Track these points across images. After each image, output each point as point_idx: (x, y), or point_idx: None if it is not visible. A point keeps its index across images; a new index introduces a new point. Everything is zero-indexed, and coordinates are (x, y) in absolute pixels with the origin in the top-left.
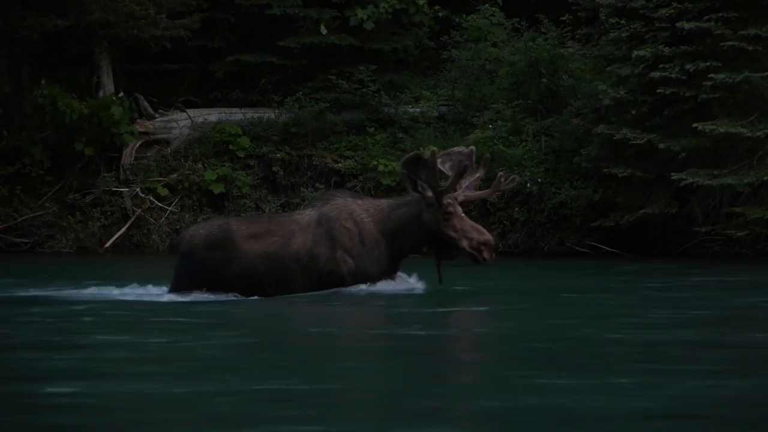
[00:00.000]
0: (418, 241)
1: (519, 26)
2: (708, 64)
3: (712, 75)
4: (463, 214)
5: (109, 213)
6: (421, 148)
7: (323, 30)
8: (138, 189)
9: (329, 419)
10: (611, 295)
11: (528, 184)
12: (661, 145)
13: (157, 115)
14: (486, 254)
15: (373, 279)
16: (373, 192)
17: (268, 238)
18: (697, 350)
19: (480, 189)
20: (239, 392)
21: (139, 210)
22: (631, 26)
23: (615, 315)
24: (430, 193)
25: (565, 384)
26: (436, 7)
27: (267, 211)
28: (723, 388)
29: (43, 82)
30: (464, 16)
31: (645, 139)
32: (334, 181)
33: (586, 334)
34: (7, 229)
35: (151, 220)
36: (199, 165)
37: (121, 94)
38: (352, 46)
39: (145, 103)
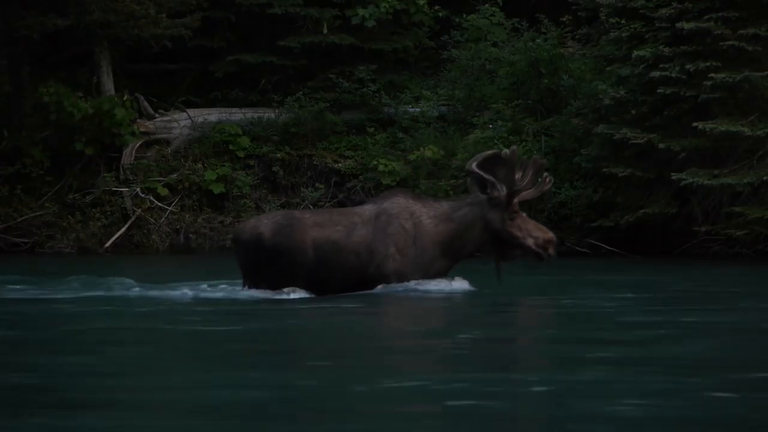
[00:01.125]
0: (480, 241)
1: (519, 26)
2: (708, 63)
3: (712, 75)
4: (524, 214)
5: (109, 213)
6: (421, 148)
7: (325, 30)
8: (138, 189)
9: None
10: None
11: None
12: (661, 145)
13: (157, 115)
14: (551, 251)
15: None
16: (372, 192)
17: (333, 226)
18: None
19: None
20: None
21: (139, 210)
22: (631, 26)
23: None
24: (497, 193)
25: None
26: (436, 7)
27: (267, 210)
28: None
29: (50, 81)
30: (464, 16)
31: (645, 139)
32: (334, 181)
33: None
34: (7, 229)
35: (151, 220)
36: (199, 165)
37: (126, 97)
38: (352, 45)
39: (145, 103)
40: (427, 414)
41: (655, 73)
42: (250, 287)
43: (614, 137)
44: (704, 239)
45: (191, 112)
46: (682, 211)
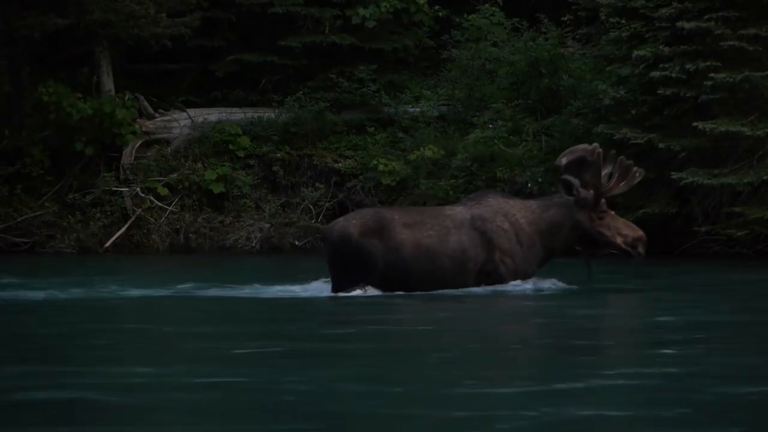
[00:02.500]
0: (569, 240)
1: (519, 26)
2: (708, 63)
3: (712, 75)
4: (612, 212)
5: (109, 213)
6: (421, 148)
7: (326, 30)
8: (138, 189)
9: None
10: None
11: (528, 184)
12: (661, 145)
13: (157, 115)
14: (641, 249)
15: (530, 277)
16: (373, 192)
17: (423, 230)
18: None
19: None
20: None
21: (139, 210)
22: (631, 26)
23: None
24: (584, 194)
25: None
26: (436, 7)
27: (267, 210)
28: None
29: (50, 81)
30: (464, 15)
31: (645, 139)
32: (334, 181)
33: None
34: (7, 228)
35: (151, 219)
36: (199, 165)
37: (128, 97)
38: (353, 45)
39: (145, 103)
40: None
41: (655, 73)
42: (337, 286)
43: (614, 137)
44: (704, 239)
45: (191, 111)
46: (682, 211)
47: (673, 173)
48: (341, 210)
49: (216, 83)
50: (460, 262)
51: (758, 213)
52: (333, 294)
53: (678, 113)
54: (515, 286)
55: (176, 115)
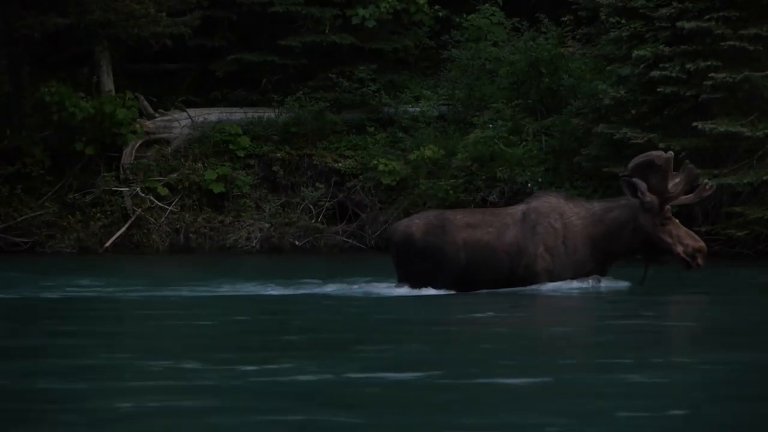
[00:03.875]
0: (630, 244)
1: (519, 26)
2: (708, 63)
3: (712, 74)
4: (677, 220)
5: (109, 213)
6: (421, 148)
7: (326, 30)
8: (138, 189)
9: None
10: None
11: (528, 184)
12: (661, 145)
13: (157, 115)
14: (700, 260)
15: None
16: (373, 191)
17: (484, 228)
18: None
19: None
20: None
21: (139, 210)
22: (632, 26)
23: None
24: (650, 198)
25: None
26: (436, 7)
27: (267, 210)
28: None
29: (52, 81)
30: (464, 15)
31: (645, 139)
32: (334, 181)
33: None
34: (7, 228)
35: (151, 219)
36: (199, 164)
37: (128, 97)
38: (353, 45)
39: (145, 103)
40: None
41: (656, 73)
42: (404, 284)
43: (614, 137)
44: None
45: (191, 111)
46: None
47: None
48: (341, 210)
49: (216, 83)
50: (514, 257)
51: (758, 213)
52: (401, 292)
53: (678, 113)
54: (565, 284)
55: (176, 114)
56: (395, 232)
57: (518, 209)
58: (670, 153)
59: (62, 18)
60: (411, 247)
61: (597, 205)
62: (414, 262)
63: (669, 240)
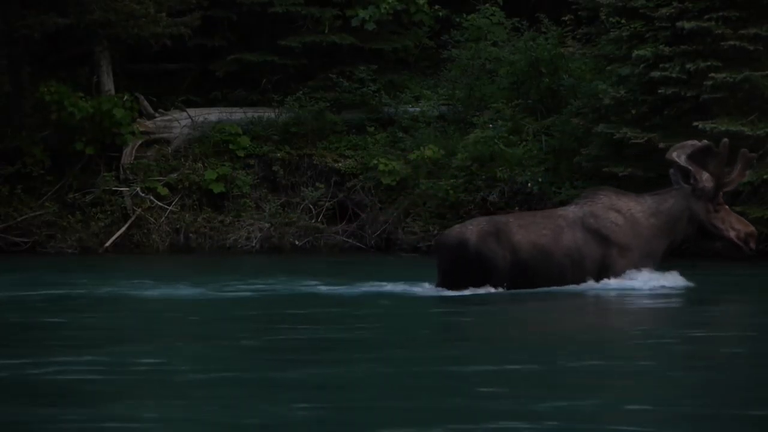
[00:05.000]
0: (685, 232)
1: (519, 26)
2: (708, 63)
3: (712, 74)
4: (727, 206)
5: (109, 213)
6: (421, 148)
7: (326, 30)
8: (138, 188)
9: None
10: None
11: (528, 184)
12: (661, 145)
13: (157, 115)
14: (752, 245)
15: (654, 266)
16: (373, 191)
17: (538, 230)
18: None
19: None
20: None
21: (139, 209)
22: (632, 26)
23: None
24: (703, 185)
25: None
26: (436, 7)
27: (267, 210)
28: None
29: (51, 81)
30: (464, 15)
31: (645, 139)
32: (334, 181)
33: None
34: (7, 228)
35: (151, 219)
36: (199, 164)
37: (126, 97)
38: (353, 45)
39: (145, 103)
40: None
41: (656, 73)
42: (449, 288)
43: (614, 137)
44: None
45: (191, 111)
46: None
47: None
48: (341, 210)
49: (216, 83)
50: (575, 260)
51: (758, 212)
52: (444, 294)
53: (678, 113)
54: (624, 281)
55: (176, 114)
56: (448, 238)
57: (569, 210)
58: (726, 140)
59: (62, 18)
60: (467, 252)
61: (649, 198)
62: (467, 268)
63: (722, 226)
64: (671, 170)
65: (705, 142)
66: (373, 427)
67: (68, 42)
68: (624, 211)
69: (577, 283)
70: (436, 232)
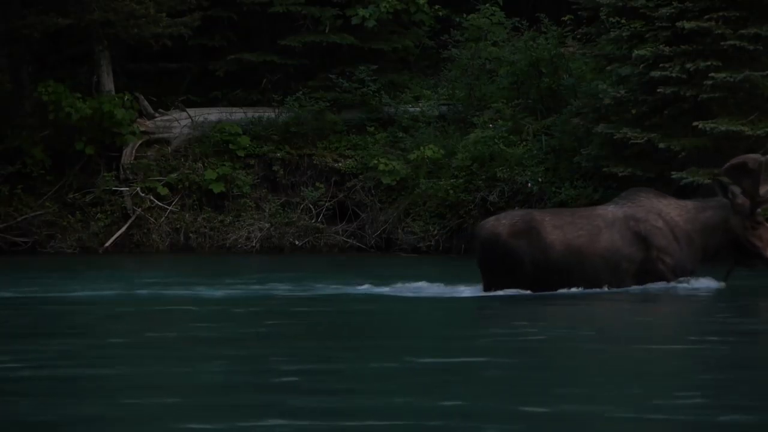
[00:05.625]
0: (720, 245)
1: (519, 25)
2: (708, 63)
3: (712, 74)
4: (766, 224)
5: (109, 212)
6: (421, 148)
7: (326, 30)
8: (138, 188)
9: None
10: None
11: (528, 184)
12: (661, 145)
13: (157, 115)
14: None
15: (691, 273)
16: (373, 191)
17: (574, 230)
18: None
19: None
20: None
21: (139, 209)
22: (632, 25)
23: None
24: (741, 201)
25: None
26: (437, 7)
27: (267, 210)
28: None
29: (50, 81)
30: (464, 15)
31: (645, 139)
32: (334, 181)
33: None
34: (7, 228)
35: (151, 219)
36: (199, 164)
37: (127, 97)
38: (353, 45)
39: (145, 103)
40: None
41: (656, 73)
42: (487, 285)
43: (614, 137)
44: None
45: (191, 111)
46: None
47: (673, 173)
48: (341, 210)
49: (216, 82)
50: (612, 261)
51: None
52: (483, 293)
53: (678, 113)
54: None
55: (176, 114)
56: (481, 230)
57: (608, 211)
58: (765, 157)
59: (62, 18)
60: (496, 247)
61: (690, 204)
62: (498, 263)
63: (759, 244)
64: (714, 181)
65: (744, 157)
66: None
67: (68, 42)
68: (664, 214)
69: (613, 285)
70: (436, 232)
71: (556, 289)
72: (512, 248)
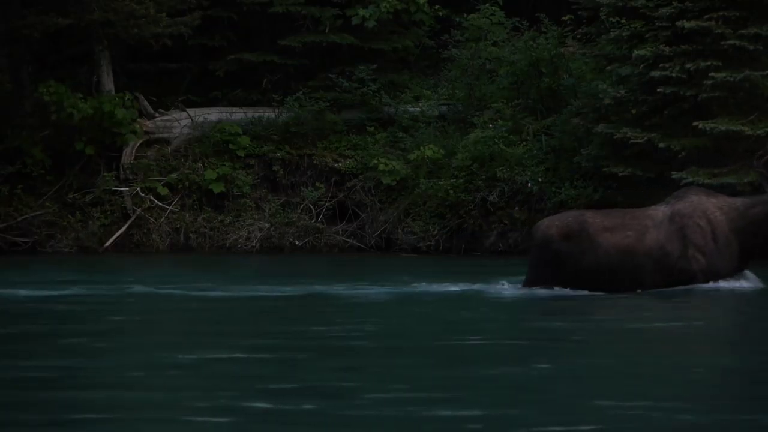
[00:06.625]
0: (764, 242)
1: (519, 25)
2: (708, 63)
3: (712, 74)
4: None
5: (109, 212)
6: (421, 148)
7: (326, 30)
8: (138, 188)
9: None
10: None
11: (528, 184)
12: (661, 144)
13: (157, 115)
14: None
15: (723, 276)
16: (373, 191)
17: (623, 231)
18: None
19: None
20: None
21: (139, 209)
22: (632, 25)
23: None
24: None
25: None
26: (437, 7)
27: (267, 210)
28: None
29: (50, 81)
30: (464, 15)
31: (645, 138)
32: (334, 181)
33: None
34: (7, 228)
35: (151, 219)
36: (199, 164)
37: (127, 96)
38: (353, 45)
39: (145, 103)
40: None
41: (656, 73)
42: (534, 283)
43: (614, 137)
44: None
45: (191, 111)
46: None
47: (673, 172)
48: (341, 210)
49: (216, 82)
50: (658, 258)
51: None
52: (525, 288)
53: (678, 113)
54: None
55: (176, 114)
56: (535, 231)
57: (659, 210)
58: None
59: (62, 18)
60: (547, 248)
61: (739, 201)
62: (550, 263)
63: None
64: (760, 175)
65: None
66: None
67: (68, 42)
68: (710, 213)
69: (660, 283)
70: (436, 232)
71: (607, 289)
72: (564, 249)
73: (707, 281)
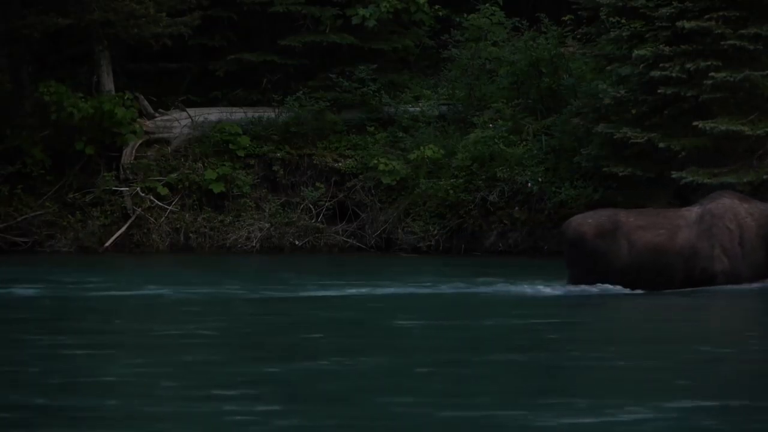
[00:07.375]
0: None
1: (519, 25)
2: (708, 63)
3: (712, 74)
4: None
5: (109, 212)
6: (421, 148)
7: (327, 30)
8: (138, 188)
9: None
10: None
11: (528, 184)
12: (661, 144)
13: (157, 115)
14: None
15: (745, 281)
16: (373, 191)
17: (656, 230)
18: None
19: None
20: None
21: (139, 209)
22: (632, 25)
23: None
24: None
25: None
26: (437, 7)
27: (267, 210)
28: None
29: (51, 81)
30: (464, 15)
31: (645, 138)
32: (334, 181)
33: None
34: (6, 228)
35: (151, 219)
36: (199, 164)
37: (128, 96)
38: (353, 45)
39: (145, 103)
40: None
41: (656, 73)
42: (572, 281)
43: (614, 136)
44: None
45: (191, 111)
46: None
47: (673, 172)
48: (341, 210)
49: (216, 82)
50: (688, 257)
51: None
52: (569, 288)
53: (678, 113)
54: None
55: (176, 114)
56: (567, 228)
57: (693, 210)
58: None
59: (62, 18)
60: (581, 246)
61: None
62: (583, 261)
63: None
64: None
65: None
66: None
67: (68, 42)
68: (741, 217)
69: (691, 282)
70: (436, 232)
71: (639, 287)
72: (597, 247)
73: (728, 284)
